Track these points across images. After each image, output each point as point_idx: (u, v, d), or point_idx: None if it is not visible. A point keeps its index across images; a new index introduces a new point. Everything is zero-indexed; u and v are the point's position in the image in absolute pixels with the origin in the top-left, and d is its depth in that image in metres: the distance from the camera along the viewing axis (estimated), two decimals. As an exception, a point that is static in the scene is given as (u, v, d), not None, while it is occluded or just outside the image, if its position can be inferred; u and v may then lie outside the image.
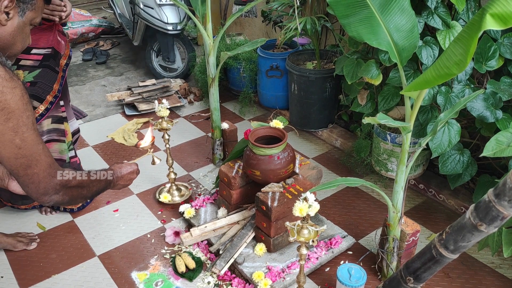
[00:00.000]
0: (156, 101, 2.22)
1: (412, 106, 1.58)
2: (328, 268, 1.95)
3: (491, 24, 1.17)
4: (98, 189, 1.34)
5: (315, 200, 1.44)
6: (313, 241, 1.49)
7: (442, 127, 1.87)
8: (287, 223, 1.51)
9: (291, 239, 1.49)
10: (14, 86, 0.97)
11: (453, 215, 2.22)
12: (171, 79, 3.66)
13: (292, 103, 2.94)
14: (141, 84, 3.50)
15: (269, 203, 1.81)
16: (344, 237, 2.05)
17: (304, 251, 1.53)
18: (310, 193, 1.45)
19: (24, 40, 1.10)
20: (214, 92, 2.48)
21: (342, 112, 2.94)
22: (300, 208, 1.43)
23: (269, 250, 1.94)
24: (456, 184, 2.03)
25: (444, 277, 1.88)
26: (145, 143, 1.79)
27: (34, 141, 1.03)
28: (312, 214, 1.43)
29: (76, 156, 2.26)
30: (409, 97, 1.57)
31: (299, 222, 1.49)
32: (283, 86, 3.06)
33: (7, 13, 1.02)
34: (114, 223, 2.25)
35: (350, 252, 2.03)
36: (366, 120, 1.33)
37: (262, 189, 1.89)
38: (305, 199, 1.44)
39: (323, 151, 2.83)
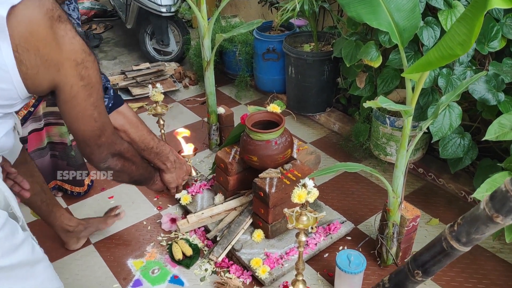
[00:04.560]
0: (150, 86, 2.17)
1: (413, 89, 1.53)
2: (327, 254, 1.93)
3: (497, 2, 1.12)
4: (142, 175, 1.35)
5: (313, 186, 1.41)
6: (312, 228, 1.46)
7: (443, 110, 1.83)
8: (286, 210, 1.48)
9: (289, 226, 1.46)
10: (93, 60, 0.95)
11: (453, 199, 2.20)
12: (165, 63, 3.59)
13: (289, 86, 2.89)
14: (135, 68, 3.43)
15: (267, 189, 1.78)
16: (343, 222, 2.02)
17: (303, 238, 1.50)
18: (309, 179, 1.42)
19: None
20: (209, 76, 2.42)
21: (340, 95, 2.90)
22: (299, 195, 1.39)
23: (267, 236, 1.92)
24: (456, 168, 2.01)
25: (443, 262, 1.87)
26: (188, 150, 1.74)
27: (105, 111, 1.03)
28: (311, 200, 1.40)
29: None
30: (410, 80, 1.52)
31: (297, 208, 1.46)
32: (280, 69, 3.00)
33: None
34: (109, 210, 2.21)
35: (349, 238, 2.01)
36: (367, 104, 1.29)
37: (259, 175, 1.85)
38: (304, 185, 1.40)
39: (321, 135, 2.79)
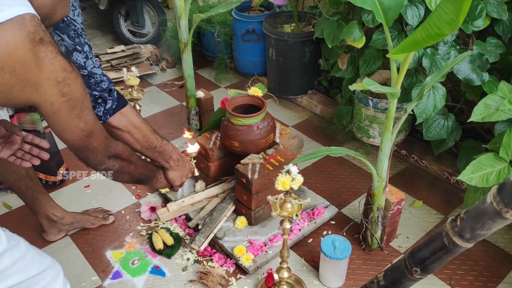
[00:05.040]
0: (124, 69, 2.07)
1: (397, 70, 1.49)
2: (311, 239, 1.90)
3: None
4: (142, 173, 1.37)
5: (297, 172, 1.36)
6: (296, 215, 1.42)
7: (427, 91, 1.80)
8: (269, 197, 1.43)
9: (273, 214, 1.41)
10: (75, 76, 0.96)
11: (436, 180, 2.19)
12: (141, 45, 3.46)
13: (270, 69, 2.82)
14: (109, 51, 3.30)
15: (249, 176, 1.73)
16: (327, 207, 1.99)
17: (287, 225, 1.46)
18: (293, 165, 1.37)
19: (64, 8, 1.07)
20: (187, 58, 2.34)
21: (321, 77, 2.84)
22: (283, 182, 1.34)
23: (250, 223, 1.87)
24: (440, 149, 1.99)
25: (427, 244, 1.86)
26: (193, 149, 1.68)
27: (93, 120, 1.07)
28: (295, 187, 1.35)
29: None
30: (395, 60, 1.48)
31: (281, 195, 1.41)
32: (260, 51, 2.92)
33: None
34: (85, 200, 2.13)
35: (333, 222, 1.98)
36: (353, 87, 1.24)
37: (241, 161, 1.80)
38: (288, 171, 1.35)
39: (303, 118, 2.74)
